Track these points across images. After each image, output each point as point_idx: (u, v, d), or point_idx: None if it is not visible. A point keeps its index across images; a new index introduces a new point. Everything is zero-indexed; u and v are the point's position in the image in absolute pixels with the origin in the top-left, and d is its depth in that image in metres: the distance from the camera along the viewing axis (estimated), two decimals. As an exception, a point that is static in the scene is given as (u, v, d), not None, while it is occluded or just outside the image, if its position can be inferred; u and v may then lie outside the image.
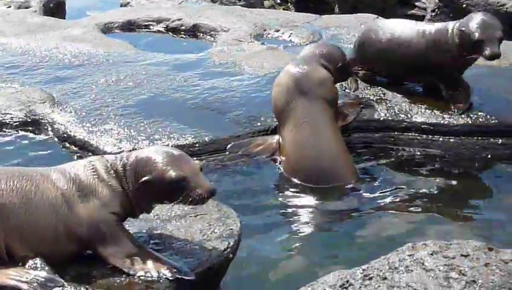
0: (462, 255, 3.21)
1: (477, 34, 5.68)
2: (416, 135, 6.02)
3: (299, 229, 5.02)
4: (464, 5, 9.71)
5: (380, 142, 5.99)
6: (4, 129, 6.01)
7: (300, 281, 3.50)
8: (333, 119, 5.81)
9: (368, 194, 5.46)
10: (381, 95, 6.35)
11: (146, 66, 7.20)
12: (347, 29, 8.09)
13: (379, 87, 6.46)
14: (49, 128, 6.03)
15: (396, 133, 6.06)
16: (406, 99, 6.26)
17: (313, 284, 3.36)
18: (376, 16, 8.85)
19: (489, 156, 5.81)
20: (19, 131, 5.97)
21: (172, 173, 3.61)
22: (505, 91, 6.33)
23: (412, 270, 3.16)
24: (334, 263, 4.00)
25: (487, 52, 5.61)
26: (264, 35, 8.12)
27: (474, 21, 5.80)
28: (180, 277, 3.57)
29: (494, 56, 5.65)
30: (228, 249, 3.95)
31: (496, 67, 6.61)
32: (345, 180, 5.57)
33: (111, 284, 3.59)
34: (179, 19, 8.85)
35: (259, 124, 6.03)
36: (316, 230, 5.04)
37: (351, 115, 6.00)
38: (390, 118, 6.09)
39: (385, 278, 3.15)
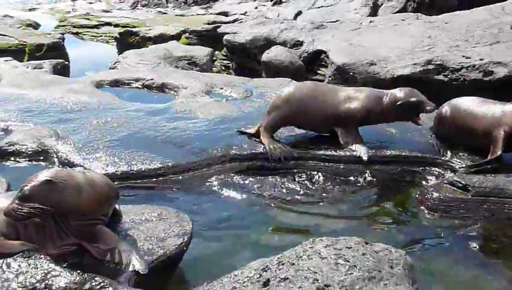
0: (347, 247, 3.25)
1: None
2: (319, 162, 6.01)
3: (236, 231, 4.98)
4: (351, 73, 9.88)
5: (293, 168, 5.98)
6: (20, 157, 5.96)
7: (236, 267, 3.49)
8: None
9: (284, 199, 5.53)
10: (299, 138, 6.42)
11: (127, 112, 7.12)
12: (270, 88, 8.17)
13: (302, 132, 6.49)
14: (55, 156, 5.93)
15: (305, 161, 6.05)
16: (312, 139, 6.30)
17: (243, 268, 3.37)
18: (290, 79, 8.98)
19: (369, 177, 5.82)
20: (32, 159, 5.92)
21: None
22: (379, 127, 6.46)
23: (312, 258, 3.19)
24: (259, 254, 3.91)
25: None
26: (212, 92, 8.15)
27: None
28: (137, 269, 3.54)
29: None
30: (183, 243, 3.96)
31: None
32: None
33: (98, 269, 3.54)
34: (152, 79, 8.81)
35: (207, 154, 5.99)
36: (246, 232, 4.99)
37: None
38: (298, 151, 6.11)
39: (293, 264, 3.18)
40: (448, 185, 5.35)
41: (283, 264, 3.19)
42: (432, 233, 5.07)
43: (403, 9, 14.89)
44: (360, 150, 5.88)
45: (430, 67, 9.43)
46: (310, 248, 3.27)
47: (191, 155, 5.97)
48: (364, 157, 5.80)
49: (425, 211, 5.26)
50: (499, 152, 5.42)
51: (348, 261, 3.10)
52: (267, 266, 3.22)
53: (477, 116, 5.72)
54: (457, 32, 10.34)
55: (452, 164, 5.72)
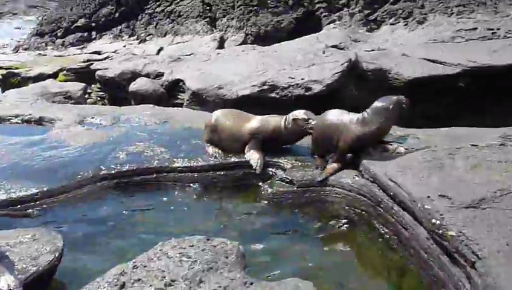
0: (190, 246, 3.20)
1: None
2: (177, 173, 5.92)
3: (105, 242, 4.71)
4: (204, 97, 9.89)
5: (155, 180, 5.86)
6: None
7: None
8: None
9: (148, 209, 5.34)
10: (158, 153, 6.23)
11: (6, 145, 6.57)
12: (135, 114, 7.93)
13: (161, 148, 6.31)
14: None
15: (164, 174, 5.93)
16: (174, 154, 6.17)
17: (104, 274, 3.20)
18: (153, 105, 8.80)
19: (218, 181, 5.82)
20: None
21: None
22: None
23: (161, 259, 3.11)
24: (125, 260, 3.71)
25: None
26: (84, 121, 7.73)
27: None
28: (11, 288, 3.25)
29: None
30: (54, 259, 3.72)
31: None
32: None
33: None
34: (30, 114, 8.23)
35: (79, 176, 5.69)
36: (114, 242, 4.73)
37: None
38: (159, 165, 5.96)
39: (145, 266, 3.08)
40: (279, 181, 5.49)
41: (137, 267, 3.08)
42: (269, 220, 5.13)
43: (244, 42, 15.20)
44: (255, 161, 5.80)
45: (265, 87, 9.65)
46: (160, 250, 3.19)
47: (65, 179, 5.63)
48: (257, 169, 5.72)
49: (263, 204, 5.36)
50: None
51: (190, 257, 3.06)
52: (123, 270, 3.09)
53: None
54: (284, 58, 10.72)
55: (281, 164, 5.84)
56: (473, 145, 5.01)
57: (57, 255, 3.77)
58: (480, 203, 3.76)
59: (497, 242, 3.31)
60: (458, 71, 9.92)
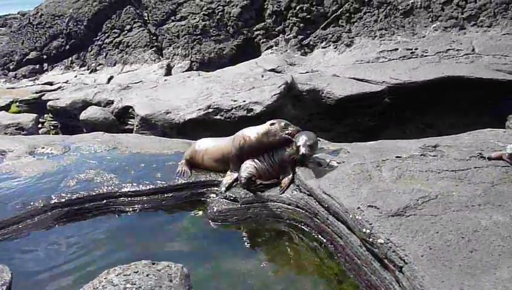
0: (134, 272, 3.02)
1: None
2: (126, 197, 5.68)
3: (57, 272, 4.40)
4: (153, 122, 9.69)
5: (105, 207, 5.60)
6: None
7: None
8: None
9: (101, 237, 5.05)
10: (108, 179, 5.99)
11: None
12: (85, 142, 7.56)
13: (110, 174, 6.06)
14: None
15: (114, 199, 5.68)
16: (120, 181, 5.94)
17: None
18: (103, 132, 8.51)
19: (167, 203, 5.67)
20: None
21: None
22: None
23: (106, 287, 2.91)
24: None
25: None
26: (35, 151, 7.31)
27: None
28: None
29: None
30: (2, 294, 3.42)
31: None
32: None
33: None
34: (-20, 147, 7.72)
35: (30, 206, 5.35)
36: (66, 273, 4.41)
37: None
38: (108, 191, 5.72)
39: (90, 296, 2.86)
40: (223, 199, 5.39)
41: (82, 297, 2.89)
42: (215, 238, 5.01)
43: (189, 69, 15.10)
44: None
45: (210, 110, 9.60)
46: (105, 278, 2.99)
47: (15, 210, 5.27)
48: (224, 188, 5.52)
49: (210, 222, 5.23)
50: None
51: (134, 284, 2.89)
52: (69, 302, 2.90)
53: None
54: (226, 83, 10.71)
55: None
56: (397, 157, 5.11)
57: (4, 288, 3.50)
58: (404, 211, 3.81)
59: (421, 247, 3.34)
60: (383, 88, 10.25)
